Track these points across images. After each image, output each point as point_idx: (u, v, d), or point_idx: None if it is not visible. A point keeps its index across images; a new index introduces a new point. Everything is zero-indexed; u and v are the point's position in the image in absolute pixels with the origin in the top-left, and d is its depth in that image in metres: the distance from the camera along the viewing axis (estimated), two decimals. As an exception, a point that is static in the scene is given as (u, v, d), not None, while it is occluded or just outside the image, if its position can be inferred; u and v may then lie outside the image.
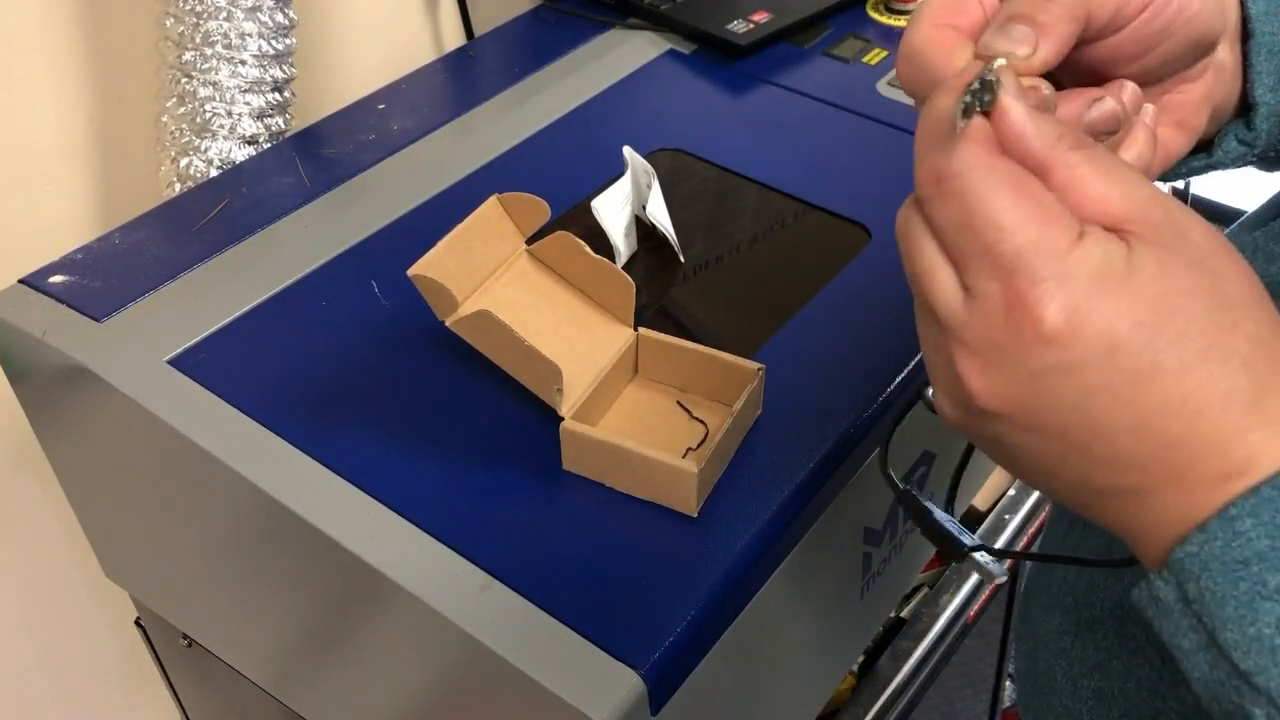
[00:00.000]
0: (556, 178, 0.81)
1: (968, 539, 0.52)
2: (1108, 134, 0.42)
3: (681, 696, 0.57)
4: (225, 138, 0.82)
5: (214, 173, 0.83)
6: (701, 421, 0.64)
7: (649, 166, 0.76)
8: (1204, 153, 0.49)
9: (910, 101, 0.43)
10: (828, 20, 1.00)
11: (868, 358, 0.68)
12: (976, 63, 0.37)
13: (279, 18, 0.81)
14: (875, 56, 0.95)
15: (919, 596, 1.04)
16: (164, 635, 0.91)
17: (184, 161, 0.82)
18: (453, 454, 0.63)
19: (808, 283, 0.74)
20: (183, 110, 0.81)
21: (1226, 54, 0.46)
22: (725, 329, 0.72)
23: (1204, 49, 0.45)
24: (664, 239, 0.76)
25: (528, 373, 0.61)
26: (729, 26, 0.96)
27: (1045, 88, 0.38)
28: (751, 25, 0.97)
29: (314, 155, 0.84)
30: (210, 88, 0.80)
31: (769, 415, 0.65)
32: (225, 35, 0.78)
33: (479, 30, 1.09)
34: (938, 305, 0.36)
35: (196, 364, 0.67)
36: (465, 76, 0.94)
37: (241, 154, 0.83)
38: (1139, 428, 0.34)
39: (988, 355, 0.35)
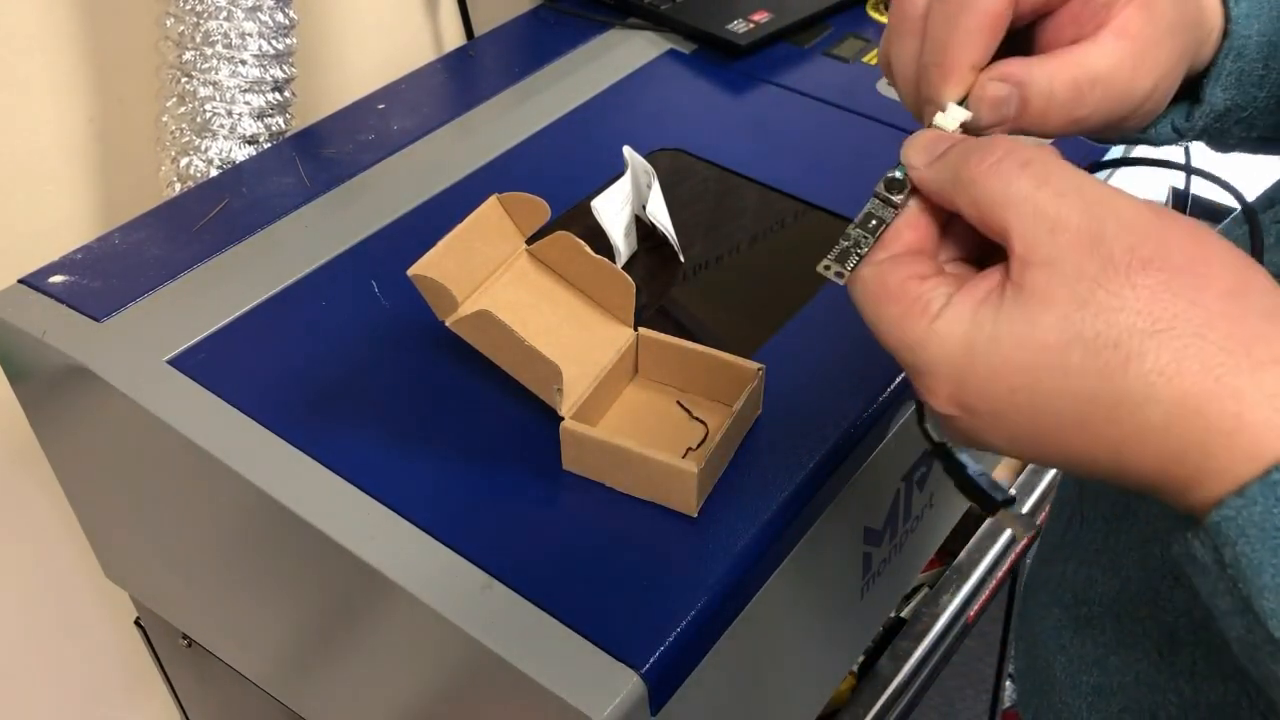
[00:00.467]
0: (556, 178, 0.81)
1: (999, 494, 0.53)
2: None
3: (681, 696, 0.57)
4: (225, 137, 0.82)
5: (214, 173, 0.83)
6: (701, 421, 0.64)
7: (649, 166, 0.76)
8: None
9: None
10: (828, 20, 1.00)
11: (868, 358, 0.68)
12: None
13: (279, 17, 0.81)
14: (875, 57, 0.95)
15: (919, 596, 1.04)
16: (164, 635, 0.91)
17: (184, 161, 0.82)
18: (453, 454, 0.63)
19: (808, 283, 0.74)
20: (183, 110, 0.81)
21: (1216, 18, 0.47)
22: (725, 329, 0.72)
23: None
24: (664, 239, 0.76)
25: (528, 373, 0.61)
26: (729, 26, 0.96)
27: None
28: (751, 25, 0.97)
29: (314, 155, 0.84)
30: (210, 87, 0.80)
31: (769, 415, 0.65)
32: (225, 35, 0.78)
33: (479, 30, 1.09)
34: None
35: (196, 364, 0.67)
36: (465, 76, 0.94)
37: (241, 154, 0.83)
38: (1079, 463, 0.36)
39: (936, 416, 0.39)
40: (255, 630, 0.76)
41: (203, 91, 0.80)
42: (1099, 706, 0.53)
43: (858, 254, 0.40)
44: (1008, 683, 1.29)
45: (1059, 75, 0.42)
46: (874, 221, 0.40)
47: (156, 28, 0.81)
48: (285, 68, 0.83)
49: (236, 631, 0.79)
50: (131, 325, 0.70)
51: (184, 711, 1.04)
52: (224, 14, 0.78)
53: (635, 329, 0.66)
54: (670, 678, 0.55)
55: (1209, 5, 0.46)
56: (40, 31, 0.83)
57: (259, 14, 0.79)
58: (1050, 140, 0.41)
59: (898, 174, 0.41)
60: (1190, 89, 0.48)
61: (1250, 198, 0.49)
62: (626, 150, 0.76)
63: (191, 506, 0.71)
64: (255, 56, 0.80)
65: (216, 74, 0.80)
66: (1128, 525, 0.52)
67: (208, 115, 0.81)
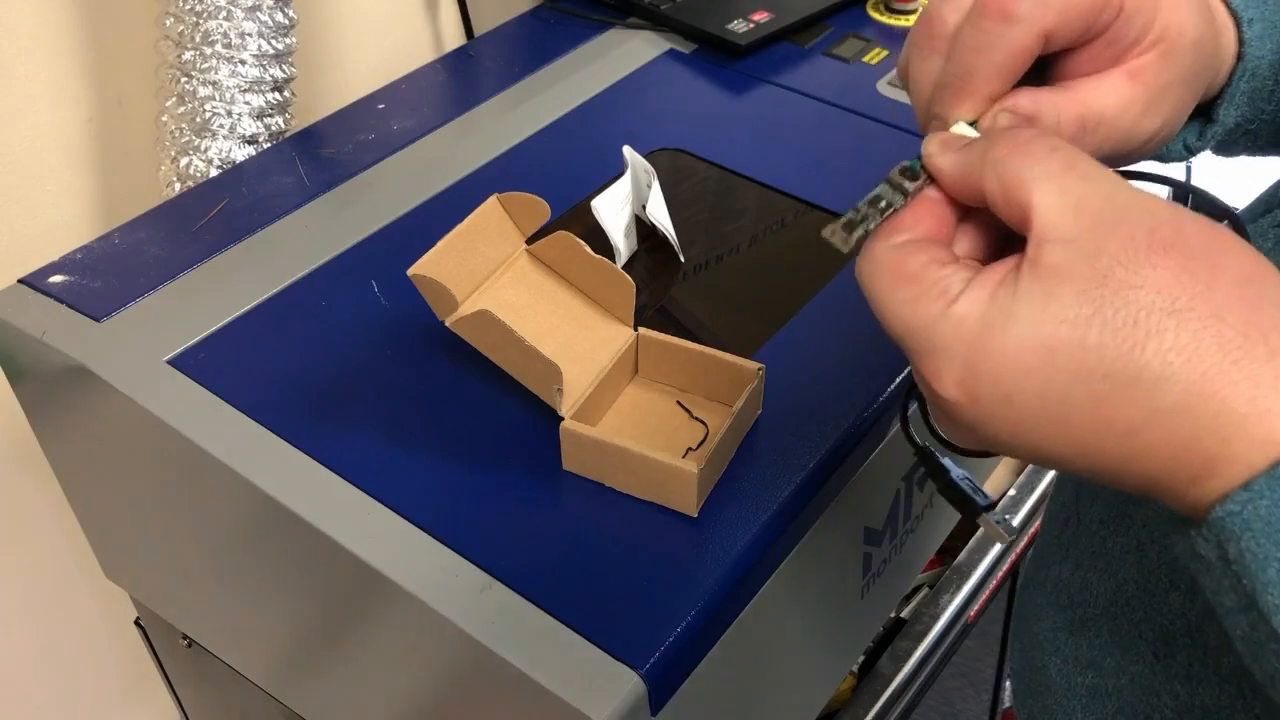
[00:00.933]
0: (556, 178, 0.81)
1: (982, 499, 0.53)
2: None
3: (681, 696, 0.57)
4: (225, 137, 0.82)
5: (214, 172, 0.83)
6: (701, 421, 0.64)
7: (649, 166, 0.76)
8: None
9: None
10: (828, 20, 1.00)
11: (868, 358, 0.68)
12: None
13: (279, 17, 0.81)
14: (875, 56, 0.95)
15: (919, 596, 1.04)
16: (164, 635, 0.91)
17: (184, 161, 0.82)
18: (453, 454, 0.63)
19: (808, 283, 0.74)
20: (183, 110, 0.81)
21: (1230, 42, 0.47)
22: (725, 329, 0.72)
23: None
24: (664, 239, 0.76)
25: (528, 373, 0.61)
26: (729, 26, 0.96)
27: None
28: (751, 25, 0.97)
29: (314, 155, 0.84)
30: (210, 87, 0.80)
31: (769, 415, 0.65)
32: (225, 35, 0.78)
33: (479, 30, 1.09)
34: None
35: (196, 364, 0.67)
36: (465, 76, 0.94)
37: (241, 154, 0.83)
38: (1085, 453, 0.36)
39: (935, 410, 0.39)
40: (255, 630, 0.76)
41: (202, 91, 0.80)
42: (1094, 708, 0.53)
43: (865, 229, 0.40)
44: (1008, 683, 1.29)
45: (1066, 111, 0.42)
46: (884, 203, 0.40)
47: (156, 28, 0.81)
48: (285, 68, 0.83)
49: (236, 631, 0.79)
50: (131, 325, 0.70)
51: (184, 712, 1.04)
52: (223, 14, 0.78)
53: (635, 329, 0.66)
54: (670, 678, 0.55)
55: (1224, 33, 0.47)
56: (40, 31, 0.83)
57: (259, 14, 0.79)
58: None
59: (913, 163, 0.41)
60: (1202, 108, 0.49)
61: (1241, 205, 0.49)
62: (626, 150, 0.76)
63: (191, 506, 0.71)
64: (255, 56, 0.80)
65: (216, 74, 0.80)
66: (1124, 528, 0.52)
67: (207, 115, 0.81)
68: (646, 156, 0.79)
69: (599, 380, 0.63)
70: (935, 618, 1.01)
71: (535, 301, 0.65)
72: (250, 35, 0.79)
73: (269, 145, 0.85)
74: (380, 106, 0.89)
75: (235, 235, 0.77)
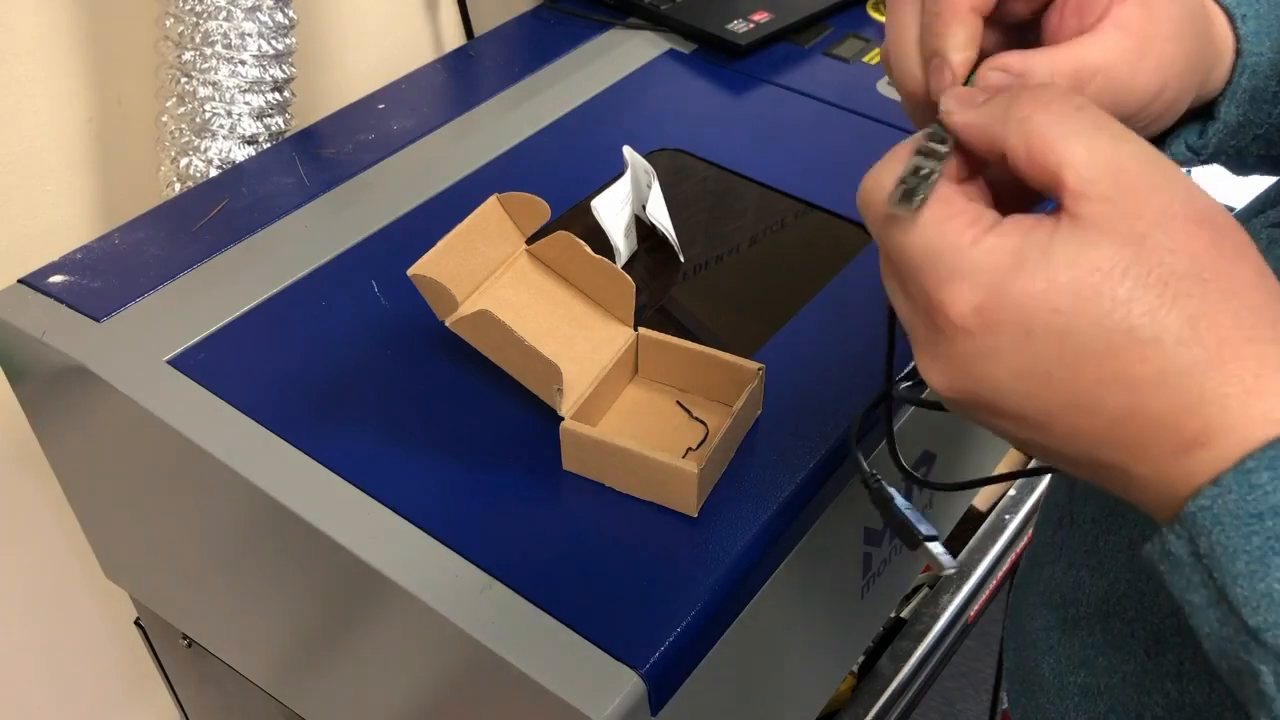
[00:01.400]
0: (556, 178, 0.81)
1: (924, 529, 0.54)
2: None
3: (681, 696, 0.57)
4: (225, 137, 0.82)
5: (214, 173, 0.83)
6: (701, 421, 0.64)
7: (649, 166, 0.76)
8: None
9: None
10: (828, 20, 1.00)
11: (868, 358, 0.68)
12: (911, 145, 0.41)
13: (279, 17, 0.81)
14: (875, 56, 0.95)
15: (919, 596, 1.04)
16: (164, 635, 0.91)
17: (184, 161, 0.82)
18: (453, 454, 0.63)
19: (808, 283, 0.74)
20: (182, 110, 0.81)
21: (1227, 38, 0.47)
22: (725, 329, 0.72)
23: None
24: (664, 239, 0.76)
25: (528, 373, 0.61)
26: (729, 26, 0.96)
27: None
28: (751, 25, 0.97)
29: (314, 155, 0.84)
30: (210, 87, 0.80)
31: (769, 415, 0.65)
32: (225, 35, 0.78)
33: (479, 30, 1.09)
34: (900, 316, 0.40)
35: (196, 364, 0.67)
36: (465, 76, 0.94)
37: (241, 154, 0.83)
38: (1079, 406, 0.35)
39: (929, 350, 0.38)
40: (255, 630, 0.76)
41: (202, 91, 0.80)
42: (1086, 707, 0.53)
43: (923, 196, 0.39)
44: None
45: (1059, 66, 0.42)
46: (925, 170, 0.40)
47: (156, 28, 0.81)
48: (285, 68, 0.83)
49: (236, 632, 0.79)
50: (131, 325, 0.70)
51: (184, 712, 1.04)
52: (223, 14, 0.78)
53: (635, 329, 0.66)
54: (670, 678, 0.55)
55: (1218, 23, 0.47)
56: (40, 31, 0.83)
57: (258, 14, 0.79)
58: None
59: (935, 128, 0.40)
60: (1205, 109, 0.49)
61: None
62: (626, 150, 0.76)
63: (191, 507, 0.71)
64: (255, 57, 0.80)
65: (216, 74, 0.80)
66: (1116, 527, 0.52)
67: (207, 115, 0.81)
68: (646, 156, 0.79)
69: (599, 380, 0.63)
70: (935, 618, 1.01)
71: (535, 301, 0.65)
72: (250, 35, 0.79)
73: (269, 145, 0.85)
74: (380, 107, 0.89)
75: (235, 235, 0.77)
